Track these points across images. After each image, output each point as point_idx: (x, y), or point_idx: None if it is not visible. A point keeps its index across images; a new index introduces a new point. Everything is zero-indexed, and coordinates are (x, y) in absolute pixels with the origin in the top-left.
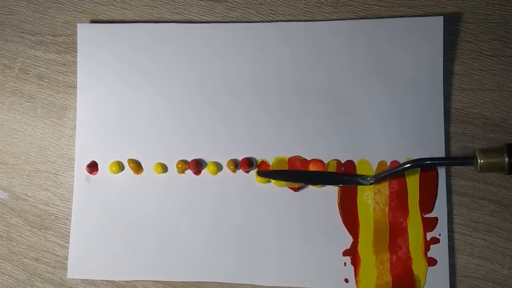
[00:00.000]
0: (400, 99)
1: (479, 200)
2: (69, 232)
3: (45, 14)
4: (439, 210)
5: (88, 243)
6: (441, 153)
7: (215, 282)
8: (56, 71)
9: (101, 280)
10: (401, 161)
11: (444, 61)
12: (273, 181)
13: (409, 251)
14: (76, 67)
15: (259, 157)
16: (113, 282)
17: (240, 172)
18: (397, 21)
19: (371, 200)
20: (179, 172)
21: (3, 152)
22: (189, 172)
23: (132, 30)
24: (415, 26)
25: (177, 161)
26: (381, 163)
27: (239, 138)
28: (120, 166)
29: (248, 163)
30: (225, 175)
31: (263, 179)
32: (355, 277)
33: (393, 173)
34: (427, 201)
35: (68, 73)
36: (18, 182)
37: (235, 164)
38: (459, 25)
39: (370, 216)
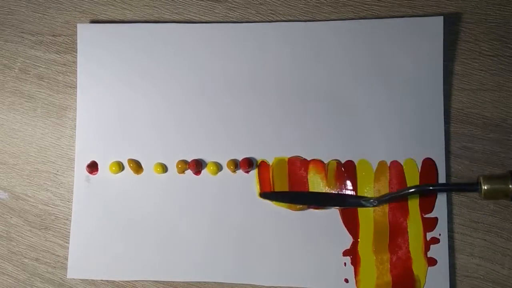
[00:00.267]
0: (400, 99)
1: (479, 200)
2: (69, 232)
3: (45, 14)
4: (439, 210)
5: (88, 243)
6: (441, 153)
7: (215, 282)
8: (56, 71)
9: (101, 280)
10: (401, 161)
11: (444, 61)
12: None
13: (409, 251)
14: (76, 67)
15: (259, 157)
16: (113, 282)
17: (240, 172)
18: (397, 21)
19: None
20: (179, 172)
21: (3, 152)
22: (189, 172)
23: (132, 30)
24: (415, 26)
25: (177, 161)
26: (381, 163)
27: (239, 138)
28: (120, 166)
29: (248, 163)
30: (225, 175)
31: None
32: (355, 277)
33: (396, 197)
34: (427, 201)
35: (68, 73)
36: (18, 182)
37: (235, 164)
38: (459, 25)
39: (370, 216)
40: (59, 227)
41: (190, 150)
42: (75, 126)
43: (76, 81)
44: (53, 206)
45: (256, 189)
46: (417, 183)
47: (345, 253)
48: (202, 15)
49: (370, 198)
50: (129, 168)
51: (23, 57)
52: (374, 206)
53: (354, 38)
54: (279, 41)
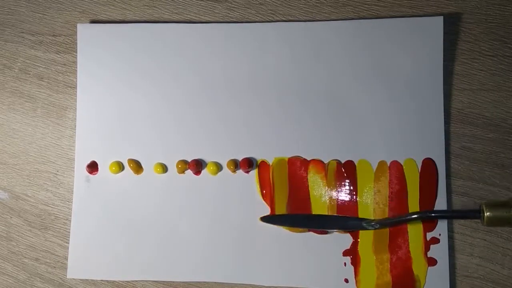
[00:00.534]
0: (400, 99)
1: (479, 200)
2: (69, 232)
3: (45, 14)
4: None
5: (88, 243)
6: (441, 153)
7: (215, 282)
8: (56, 71)
9: (101, 280)
10: (401, 161)
11: (444, 61)
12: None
13: (409, 251)
14: (76, 67)
15: (259, 157)
16: (113, 282)
17: (240, 172)
18: (397, 21)
19: (371, 200)
20: (179, 172)
21: (3, 152)
22: (189, 172)
23: (132, 30)
24: (415, 26)
25: (177, 161)
26: (381, 163)
27: (239, 138)
28: (120, 166)
29: (248, 163)
30: (225, 175)
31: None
32: (355, 277)
33: (399, 222)
34: (427, 201)
35: (68, 73)
36: (18, 182)
37: (235, 164)
38: (459, 25)
39: (370, 216)
40: (59, 227)
41: (190, 150)
42: (75, 126)
43: (76, 81)
44: (53, 206)
45: (256, 189)
46: (417, 183)
47: (345, 253)
48: (202, 15)
49: (372, 221)
50: (129, 168)
51: (23, 57)
52: (375, 229)
53: (354, 38)
54: (279, 41)
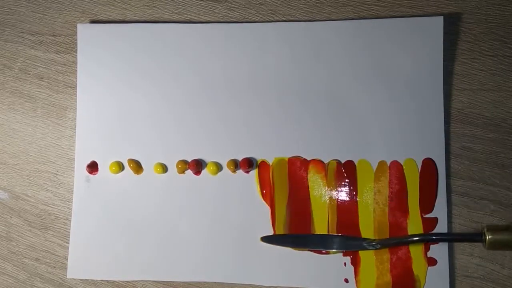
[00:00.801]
0: (400, 99)
1: (479, 200)
2: (69, 232)
3: (45, 14)
4: (439, 210)
5: (88, 243)
6: (441, 153)
7: (215, 282)
8: (56, 71)
9: (101, 280)
10: (401, 161)
11: (444, 61)
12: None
13: (409, 251)
14: (76, 67)
15: (259, 157)
16: (113, 282)
17: (240, 172)
18: (397, 21)
19: (371, 200)
20: (179, 172)
21: (3, 152)
22: (189, 172)
23: (132, 30)
24: (415, 26)
25: (177, 161)
26: (381, 163)
27: (239, 138)
28: (120, 166)
29: (248, 163)
30: (225, 175)
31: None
32: (355, 277)
33: (400, 243)
34: (427, 201)
35: (68, 73)
36: (18, 182)
37: (235, 164)
38: (459, 25)
39: (370, 216)
40: (59, 227)
41: (190, 150)
42: (75, 126)
43: (76, 81)
44: (53, 206)
45: (256, 189)
46: (417, 183)
47: (345, 253)
48: (202, 15)
49: (373, 241)
50: (129, 168)
51: (23, 57)
52: (376, 249)
53: (354, 38)
54: (279, 41)
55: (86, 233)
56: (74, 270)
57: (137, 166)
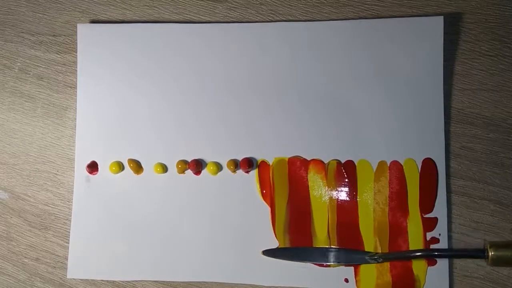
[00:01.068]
0: (400, 99)
1: (479, 200)
2: (69, 232)
3: (45, 14)
4: (439, 210)
5: (88, 243)
6: (441, 153)
7: (215, 282)
8: (56, 71)
9: (101, 280)
10: (401, 161)
11: (444, 61)
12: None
13: None
14: (76, 67)
15: (259, 157)
16: (113, 282)
17: (240, 172)
18: (397, 21)
19: (371, 200)
20: (179, 172)
21: (3, 152)
22: (189, 172)
23: (132, 30)
24: (415, 26)
25: (177, 161)
26: (381, 163)
27: (239, 138)
28: (120, 166)
29: (248, 163)
30: (225, 175)
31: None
32: (355, 277)
33: (402, 257)
34: (427, 201)
35: (68, 73)
36: (18, 182)
37: (235, 164)
38: (459, 25)
39: (370, 216)
40: (59, 227)
41: (190, 150)
42: (75, 126)
43: (76, 81)
44: (53, 206)
45: (256, 189)
46: (417, 183)
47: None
48: (202, 15)
49: (375, 255)
50: (129, 168)
51: (23, 57)
52: (378, 262)
53: (354, 38)
54: (279, 41)
55: (86, 233)
56: (74, 270)
57: (137, 166)
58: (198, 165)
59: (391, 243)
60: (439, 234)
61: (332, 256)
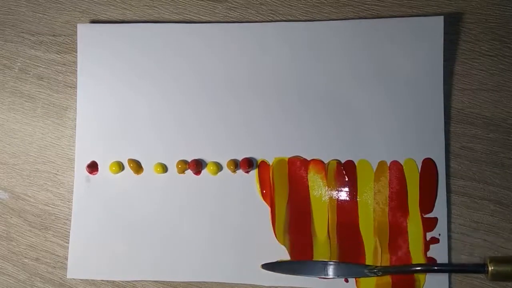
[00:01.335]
0: (400, 99)
1: (479, 200)
2: (69, 232)
3: (45, 14)
4: (439, 210)
5: (88, 243)
6: (441, 153)
7: (215, 282)
8: (56, 71)
9: (101, 280)
10: (401, 161)
11: (444, 61)
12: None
13: (409, 251)
14: (76, 67)
15: (259, 157)
16: (113, 282)
17: (240, 172)
18: (397, 21)
19: (371, 200)
20: (179, 172)
21: (3, 152)
22: (189, 172)
23: (132, 30)
24: (415, 26)
25: (177, 161)
26: (381, 163)
27: (239, 138)
28: (120, 166)
29: (248, 163)
30: (225, 175)
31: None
32: (355, 278)
33: (402, 271)
34: (427, 201)
35: (68, 73)
36: (18, 182)
37: (235, 164)
38: (459, 25)
39: (370, 216)
40: (59, 227)
41: (190, 150)
42: (75, 126)
43: (76, 81)
44: (53, 206)
45: (256, 189)
46: (417, 183)
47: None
48: (202, 15)
49: (375, 268)
50: (129, 168)
51: (23, 57)
52: (378, 276)
53: (354, 38)
54: (279, 41)
55: (86, 233)
56: (74, 270)
57: (137, 166)
58: (198, 165)
59: (391, 243)
60: (439, 234)
61: (331, 269)
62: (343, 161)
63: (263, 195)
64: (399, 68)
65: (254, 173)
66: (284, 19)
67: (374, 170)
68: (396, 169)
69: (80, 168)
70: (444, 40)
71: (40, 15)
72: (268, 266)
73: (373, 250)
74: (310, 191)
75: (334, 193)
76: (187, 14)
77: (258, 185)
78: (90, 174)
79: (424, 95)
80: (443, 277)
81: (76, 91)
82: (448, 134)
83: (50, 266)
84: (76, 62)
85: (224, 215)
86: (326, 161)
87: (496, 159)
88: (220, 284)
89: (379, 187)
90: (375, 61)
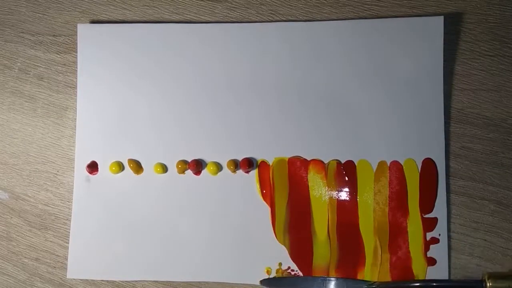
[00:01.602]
0: (400, 99)
1: (479, 200)
2: (69, 232)
3: (45, 14)
4: (439, 210)
5: (88, 243)
6: (441, 153)
7: (215, 282)
8: (56, 71)
9: (101, 280)
10: (401, 161)
11: (444, 61)
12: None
13: (409, 251)
14: (76, 67)
15: (259, 157)
16: (113, 282)
17: (240, 172)
18: (397, 21)
19: (371, 200)
20: (179, 172)
21: (3, 152)
22: (189, 172)
23: (132, 30)
24: (415, 26)
25: (177, 161)
26: (381, 163)
27: (239, 138)
28: (120, 166)
29: (248, 163)
30: (225, 175)
31: None
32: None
33: (400, 287)
34: (427, 201)
35: (68, 73)
36: (18, 182)
37: (235, 164)
38: (459, 25)
39: (370, 216)
40: (59, 227)
41: (190, 150)
42: (75, 126)
43: (76, 81)
44: (53, 206)
45: (256, 189)
46: (417, 183)
47: None
48: (202, 15)
49: (373, 284)
50: (129, 168)
51: (23, 57)
52: None
53: (354, 38)
54: (279, 41)
55: (86, 233)
56: (74, 270)
57: (137, 166)
58: (198, 165)
59: (391, 243)
60: (439, 234)
61: (330, 285)
62: (343, 161)
63: (263, 195)
64: (399, 68)
65: (254, 173)
66: (284, 19)
67: (374, 170)
68: (396, 169)
69: (80, 168)
70: (444, 40)
71: (40, 15)
72: (267, 282)
73: (373, 250)
74: (310, 191)
75: (334, 193)
76: (187, 14)
77: (258, 185)
78: (90, 174)
79: (424, 95)
80: (444, 278)
81: (76, 91)
82: (448, 134)
83: (50, 266)
84: (76, 62)
85: (224, 215)
86: (326, 161)
87: (496, 159)
88: (220, 284)
89: (379, 187)
90: (375, 61)
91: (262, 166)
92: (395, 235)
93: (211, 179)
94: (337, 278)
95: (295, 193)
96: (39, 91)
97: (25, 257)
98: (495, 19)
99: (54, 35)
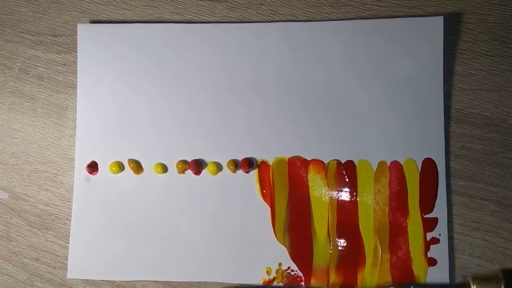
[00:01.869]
0: (400, 99)
1: (479, 200)
2: (69, 232)
3: (45, 14)
4: (439, 210)
5: (88, 243)
6: (441, 153)
7: (215, 282)
8: (56, 71)
9: (101, 280)
10: (401, 161)
11: (444, 61)
12: None
13: (409, 251)
14: (76, 67)
15: (259, 157)
16: (113, 282)
17: (240, 172)
18: (397, 21)
19: (371, 200)
20: (179, 172)
21: (3, 152)
22: (189, 172)
23: (132, 30)
24: (415, 26)
25: (177, 161)
26: (381, 163)
27: (239, 138)
28: (120, 166)
29: (248, 163)
30: (225, 175)
31: None
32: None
33: None
34: (427, 201)
35: (68, 73)
36: (18, 182)
37: (235, 164)
38: (459, 25)
39: (370, 216)
40: (59, 227)
41: (190, 150)
42: (75, 126)
43: (76, 81)
44: (53, 206)
45: (256, 189)
46: (417, 183)
47: None
48: (202, 15)
49: None
50: (129, 168)
51: (23, 57)
52: None
53: (354, 38)
54: (279, 41)
55: (86, 233)
56: (74, 270)
57: (137, 166)
58: (198, 165)
59: (391, 243)
60: (439, 234)
61: None
62: (343, 161)
63: (263, 195)
64: (399, 68)
65: (254, 173)
66: (284, 19)
67: (374, 170)
68: (396, 169)
69: (80, 168)
70: (444, 40)
71: (40, 15)
72: None
73: (373, 250)
74: (310, 191)
75: (334, 193)
76: (187, 14)
77: (258, 185)
78: (90, 174)
79: (424, 95)
80: (444, 278)
81: (76, 91)
82: (448, 134)
83: (50, 266)
84: (76, 62)
85: (224, 215)
86: (326, 161)
87: (496, 159)
88: (220, 284)
89: (379, 187)
90: (375, 61)
91: (262, 166)
92: (395, 235)
93: (211, 179)
94: None
95: (295, 193)
96: (39, 91)
97: (25, 257)
98: (495, 19)
99: (54, 35)
